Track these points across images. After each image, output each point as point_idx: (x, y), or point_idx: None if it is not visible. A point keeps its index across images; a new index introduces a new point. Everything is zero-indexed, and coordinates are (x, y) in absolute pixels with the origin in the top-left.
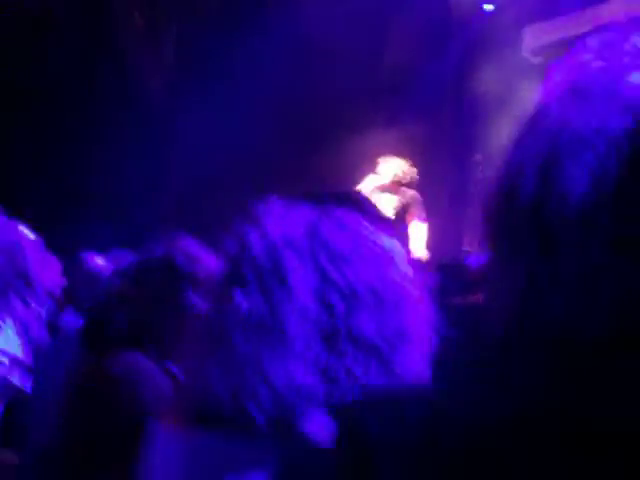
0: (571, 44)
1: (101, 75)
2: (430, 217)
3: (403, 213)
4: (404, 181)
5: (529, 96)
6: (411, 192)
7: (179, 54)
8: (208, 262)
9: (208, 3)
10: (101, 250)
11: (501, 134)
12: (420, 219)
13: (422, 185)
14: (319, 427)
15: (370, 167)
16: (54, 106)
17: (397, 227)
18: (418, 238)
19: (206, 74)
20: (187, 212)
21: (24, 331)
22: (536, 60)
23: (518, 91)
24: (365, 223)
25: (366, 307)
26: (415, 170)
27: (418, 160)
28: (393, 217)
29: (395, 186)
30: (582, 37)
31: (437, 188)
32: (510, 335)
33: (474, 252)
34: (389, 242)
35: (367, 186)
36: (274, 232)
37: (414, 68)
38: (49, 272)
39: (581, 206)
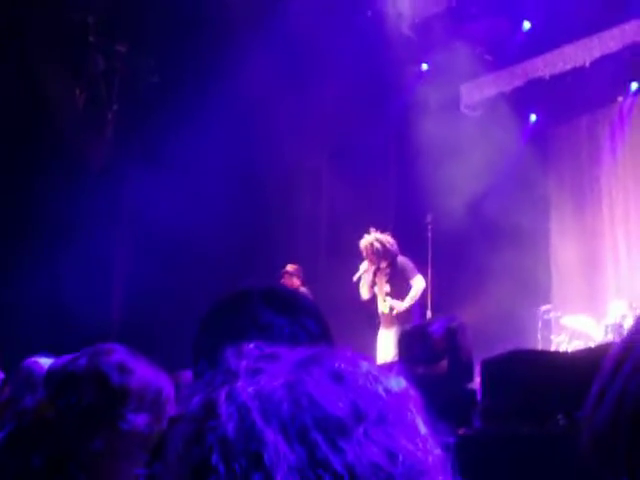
0: (506, 98)
1: (39, 155)
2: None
3: (402, 280)
4: (386, 249)
5: (472, 150)
6: (399, 258)
7: (119, 132)
8: (145, 375)
9: (148, 82)
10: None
11: (448, 192)
12: (416, 278)
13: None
14: None
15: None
16: None
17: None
18: (418, 292)
19: (147, 153)
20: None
21: None
22: (474, 114)
23: (460, 145)
24: (366, 369)
25: None
26: (388, 237)
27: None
28: (390, 288)
29: (378, 258)
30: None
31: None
32: None
33: (437, 319)
34: (397, 385)
35: (364, 271)
36: (244, 392)
37: (353, 133)
38: None
39: None
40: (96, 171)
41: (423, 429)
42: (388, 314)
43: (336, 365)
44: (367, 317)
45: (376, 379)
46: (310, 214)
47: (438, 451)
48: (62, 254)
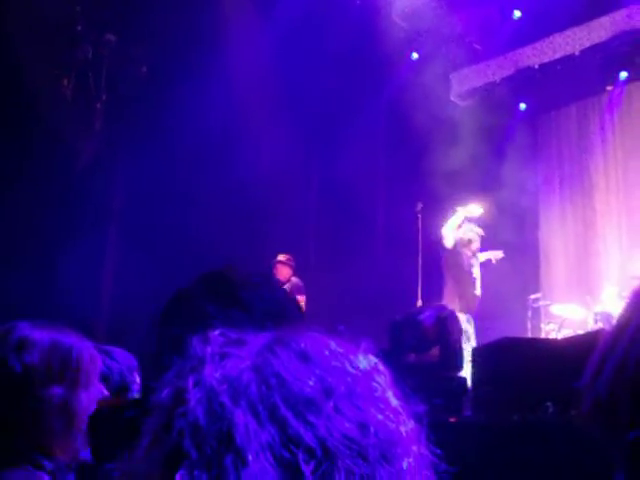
0: (495, 87)
1: (28, 144)
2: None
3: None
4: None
5: (461, 139)
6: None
7: (108, 123)
8: (49, 344)
9: (137, 72)
10: None
11: (438, 181)
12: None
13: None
14: None
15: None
16: None
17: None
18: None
19: (136, 144)
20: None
21: None
22: (464, 103)
23: (450, 134)
24: (333, 348)
25: (343, 466)
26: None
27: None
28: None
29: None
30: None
31: (384, 239)
32: None
33: (427, 307)
34: (366, 362)
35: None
36: (212, 377)
37: (342, 122)
38: None
39: None
40: (85, 162)
41: (394, 402)
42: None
43: (302, 345)
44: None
45: (343, 356)
46: (300, 203)
47: (411, 423)
48: (51, 248)
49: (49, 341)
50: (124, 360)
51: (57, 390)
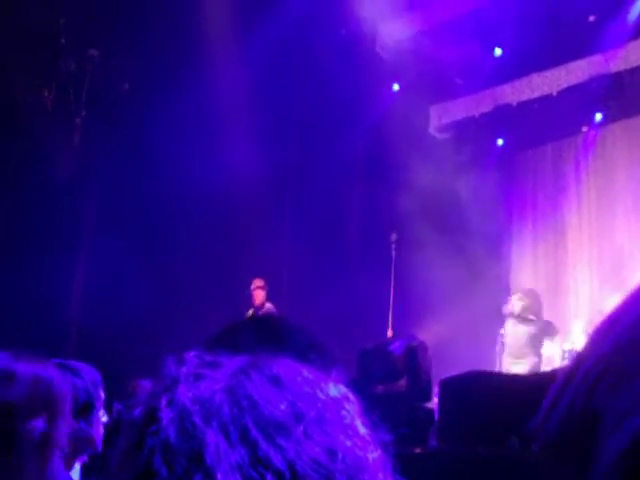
0: (474, 122)
1: (5, 151)
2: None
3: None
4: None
5: (438, 171)
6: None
7: (87, 136)
8: (30, 375)
9: (119, 89)
10: None
11: (413, 212)
12: None
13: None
14: None
15: None
16: None
17: None
18: None
19: (113, 162)
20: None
21: None
22: (442, 137)
23: (428, 166)
24: (306, 375)
25: None
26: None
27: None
28: None
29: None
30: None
31: (357, 267)
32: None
33: (397, 338)
34: (337, 391)
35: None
36: (185, 396)
37: (321, 151)
38: None
39: None
40: (62, 173)
41: (362, 430)
42: None
43: (275, 371)
44: None
45: (315, 383)
46: (274, 226)
47: (378, 451)
48: (24, 260)
49: (32, 375)
50: (89, 376)
51: (41, 422)
